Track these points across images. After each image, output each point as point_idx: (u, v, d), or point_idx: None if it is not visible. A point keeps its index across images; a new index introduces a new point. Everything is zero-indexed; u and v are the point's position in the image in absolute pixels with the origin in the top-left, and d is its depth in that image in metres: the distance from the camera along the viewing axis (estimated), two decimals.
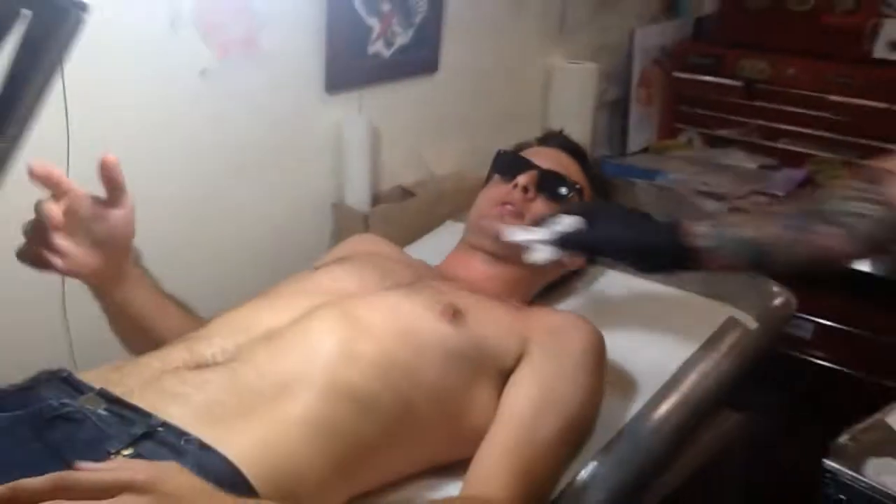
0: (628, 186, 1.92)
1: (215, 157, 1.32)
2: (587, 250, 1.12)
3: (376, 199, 1.54)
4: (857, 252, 0.94)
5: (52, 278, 0.91)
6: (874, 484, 0.98)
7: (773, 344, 1.30)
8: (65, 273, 0.87)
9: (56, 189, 0.82)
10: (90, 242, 0.87)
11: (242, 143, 1.34)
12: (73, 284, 0.94)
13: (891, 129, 1.84)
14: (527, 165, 1.22)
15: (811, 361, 1.87)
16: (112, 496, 0.59)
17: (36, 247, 0.84)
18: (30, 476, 0.59)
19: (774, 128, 2.07)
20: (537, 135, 1.37)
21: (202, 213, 1.32)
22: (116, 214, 0.88)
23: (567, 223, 1.05)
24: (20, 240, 0.85)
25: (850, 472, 0.98)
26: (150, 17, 1.18)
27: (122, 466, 0.64)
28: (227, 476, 0.73)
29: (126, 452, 0.72)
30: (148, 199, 0.96)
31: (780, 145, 2.05)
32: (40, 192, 0.82)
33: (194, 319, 1.03)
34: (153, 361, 0.87)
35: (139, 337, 0.98)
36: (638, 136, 2.14)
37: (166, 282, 1.04)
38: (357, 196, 1.50)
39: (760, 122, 2.09)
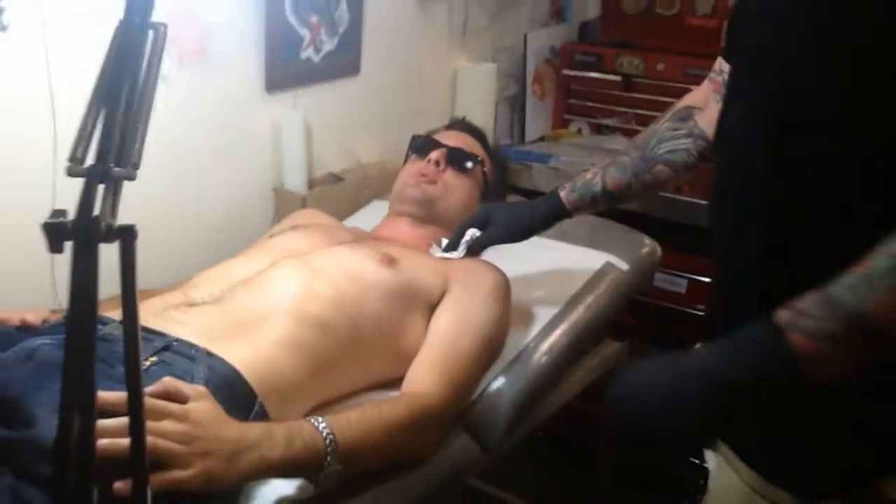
0: (527, 170, 2.20)
1: (175, 150, 1.53)
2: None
3: (311, 184, 1.78)
4: (678, 180, 1.25)
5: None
6: None
7: (643, 284, 1.60)
8: None
9: None
10: None
11: (196, 138, 1.57)
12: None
13: None
14: (437, 144, 1.50)
15: (683, 311, 2.19)
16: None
17: None
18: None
19: (649, 115, 2.36)
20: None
21: (165, 196, 1.54)
22: None
23: (471, 234, 1.34)
24: None
25: None
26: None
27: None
28: (230, 375, 0.98)
29: (153, 359, 0.96)
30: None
31: None
32: None
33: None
34: (157, 301, 1.10)
35: None
36: (534, 127, 2.43)
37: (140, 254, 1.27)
38: (295, 181, 1.74)
39: (638, 110, 2.37)
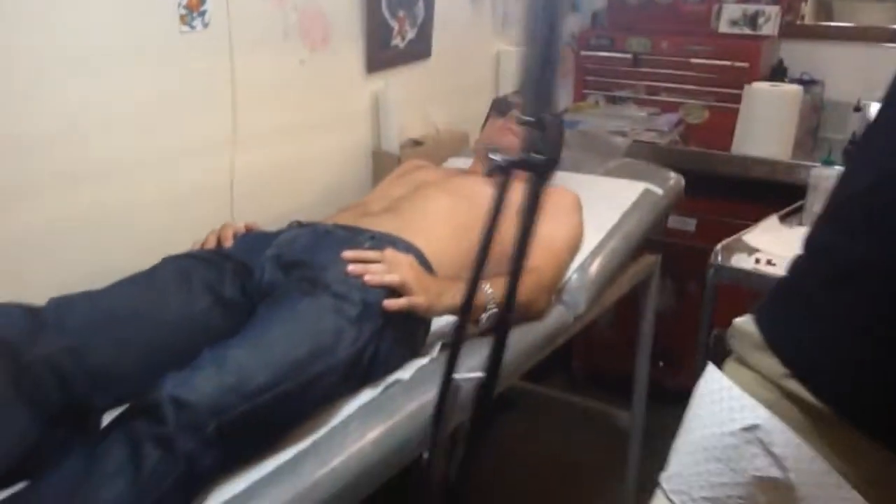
0: None
1: (303, 119, 1.97)
2: None
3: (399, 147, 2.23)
4: None
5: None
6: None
7: (672, 204, 2.06)
8: None
9: None
10: None
11: (317, 110, 2.00)
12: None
13: (733, 80, 2.64)
14: (514, 105, 1.95)
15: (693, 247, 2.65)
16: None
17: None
18: (345, 247, 1.29)
19: (655, 86, 2.79)
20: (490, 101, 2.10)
21: (293, 157, 1.97)
22: None
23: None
24: None
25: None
26: (268, 31, 1.83)
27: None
28: (417, 253, 1.42)
29: (368, 243, 1.40)
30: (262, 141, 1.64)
31: (660, 98, 2.78)
32: None
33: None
34: (346, 215, 1.55)
35: None
36: (560, 101, 2.89)
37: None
38: (389, 144, 2.19)
39: (645, 82, 2.80)
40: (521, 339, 1.51)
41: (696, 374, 2.03)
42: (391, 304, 1.23)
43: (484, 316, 1.40)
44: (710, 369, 0.96)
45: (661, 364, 2.73)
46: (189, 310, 1.25)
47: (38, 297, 1.20)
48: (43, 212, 1.43)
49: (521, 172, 1.17)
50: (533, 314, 1.54)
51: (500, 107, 1.99)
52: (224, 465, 1.02)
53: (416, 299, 1.28)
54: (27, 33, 1.37)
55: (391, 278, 1.29)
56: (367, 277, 1.25)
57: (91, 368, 1.10)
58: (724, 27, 2.77)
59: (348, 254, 1.31)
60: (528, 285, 1.50)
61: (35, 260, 1.42)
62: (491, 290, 1.39)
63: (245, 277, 1.33)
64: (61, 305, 1.15)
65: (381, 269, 1.27)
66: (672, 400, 2.42)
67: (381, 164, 2.18)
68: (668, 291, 2.81)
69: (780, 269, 1.78)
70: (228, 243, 1.44)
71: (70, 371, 1.08)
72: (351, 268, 1.28)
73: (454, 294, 1.35)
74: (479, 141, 2.00)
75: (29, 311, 1.11)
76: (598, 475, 2.55)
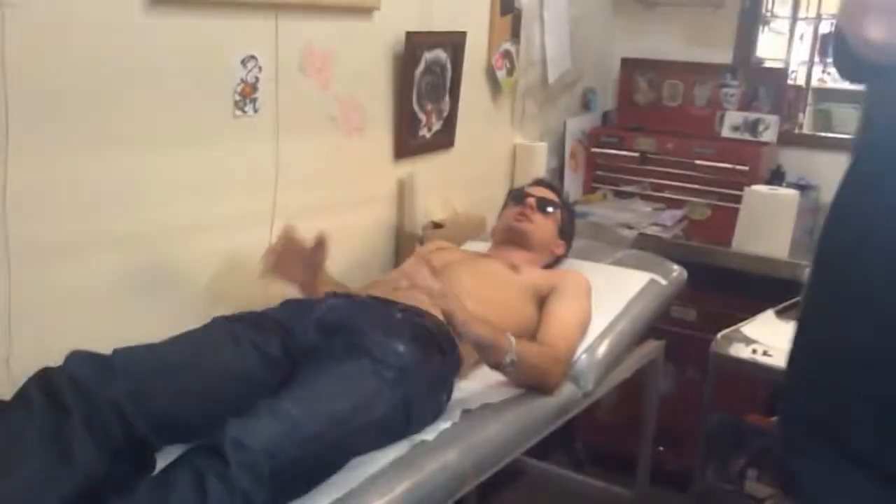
0: None
1: (337, 196, 2.13)
2: None
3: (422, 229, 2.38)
4: None
5: None
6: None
7: (674, 295, 2.19)
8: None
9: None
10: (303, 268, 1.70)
11: (347, 190, 2.16)
12: None
13: (734, 181, 2.80)
14: (528, 195, 2.11)
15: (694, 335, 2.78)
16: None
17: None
18: (380, 316, 1.42)
19: (660, 183, 2.95)
20: (506, 190, 2.28)
21: (325, 231, 2.12)
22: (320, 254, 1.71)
23: None
24: None
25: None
26: (311, 118, 2.00)
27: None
28: (443, 325, 1.55)
29: (399, 315, 1.53)
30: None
31: (665, 195, 2.94)
32: None
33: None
34: (378, 288, 1.69)
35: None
36: (570, 192, 3.05)
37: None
38: (413, 225, 2.34)
39: (651, 180, 2.97)
40: (535, 410, 1.63)
41: (698, 456, 2.13)
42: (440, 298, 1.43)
43: (506, 359, 1.52)
44: None
45: (660, 448, 2.83)
46: (237, 364, 1.37)
47: (101, 347, 1.32)
48: (108, 268, 1.58)
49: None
50: (547, 385, 1.66)
51: (515, 196, 2.15)
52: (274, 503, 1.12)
53: (459, 314, 1.44)
54: (106, 110, 1.53)
55: (440, 288, 1.46)
56: (421, 283, 1.41)
57: (150, 412, 1.22)
58: (726, 132, 2.97)
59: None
60: (544, 356, 1.62)
61: (99, 312, 1.56)
62: (515, 341, 1.52)
63: (286, 339, 1.46)
64: (126, 355, 1.27)
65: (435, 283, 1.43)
66: (671, 482, 2.52)
67: (404, 242, 2.33)
68: (670, 377, 2.92)
69: (776, 360, 1.90)
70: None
71: (132, 414, 1.20)
72: (406, 283, 1.46)
73: (487, 329, 1.50)
74: (496, 226, 2.16)
75: (99, 359, 1.24)
76: None
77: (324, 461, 1.21)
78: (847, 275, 0.99)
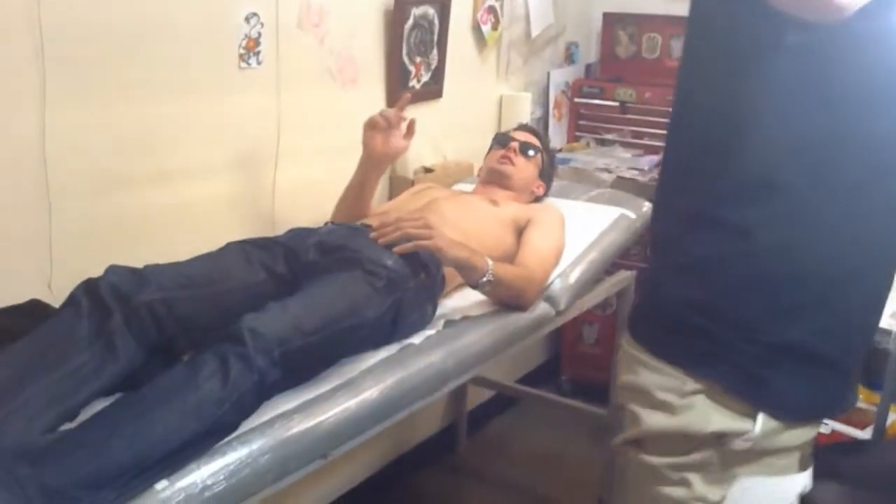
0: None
1: (337, 144, 2.32)
2: None
3: (413, 173, 2.58)
4: None
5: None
6: None
7: (643, 229, 2.40)
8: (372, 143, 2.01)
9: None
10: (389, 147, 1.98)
11: (344, 138, 2.35)
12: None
13: None
14: (512, 139, 2.31)
15: None
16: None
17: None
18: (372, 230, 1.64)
19: (639, 131, 3.16)
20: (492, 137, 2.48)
21: (324, 173, 2.32)
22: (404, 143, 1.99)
23: None
24: None
25: None
26: (309, 70, 2.20)
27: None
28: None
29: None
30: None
31: (643, 141, 3.14)
32: None
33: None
34: (371, 218, 1.90)
35: (354, 205, 2.07)
36: (555, 140, 3.25)
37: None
38: (405, 169, 2.54)
39: (631, 128, 3.18)
40: (512, 323, 1.85)
41: None
42: (415, 238, 1.65)
43: (483, 280, 1.73)
44: None
45: None
46: (249, 280, 1.60)
47: (134, 262, 1.55)
48: (134, 203, 1.81)
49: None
50: (522, 303, 1.88)
51: (500, 140, 2.35)
52: (284, 383, 1.35)
53: (437, 241, 1.66)
54: (129, 63, 1.74)
55: (419, 223, 1.68)
56: (389, 236, 1.62)
57: (178, 316, 1.44)
58: None
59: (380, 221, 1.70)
60: (519, 276, 1.84)
61: (127, 242, 1.79)
62: (492, 263, 1.73)
63: (292, 258, 1.68)
64: (156, 269, 1.49)
65: (408, 222, 1.65)
66: None
67: (397, 185, 2.53)
68: None
69: None
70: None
71: (163, 315, 1.42)
72: (378, 233, 1.67)
73: (465, 251, 1.71)
74: (482, 167, 2.36)
75: (133, 270, 1.46)
76: (577, 463, 2.89)
77: (324, 351, 1.44)
78: None
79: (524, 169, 2.29)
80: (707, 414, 1.14)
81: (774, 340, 1.11)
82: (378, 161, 2.05)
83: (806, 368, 1.13)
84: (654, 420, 1.18)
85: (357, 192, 2.06)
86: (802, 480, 1.22)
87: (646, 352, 1.19)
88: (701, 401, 1.14)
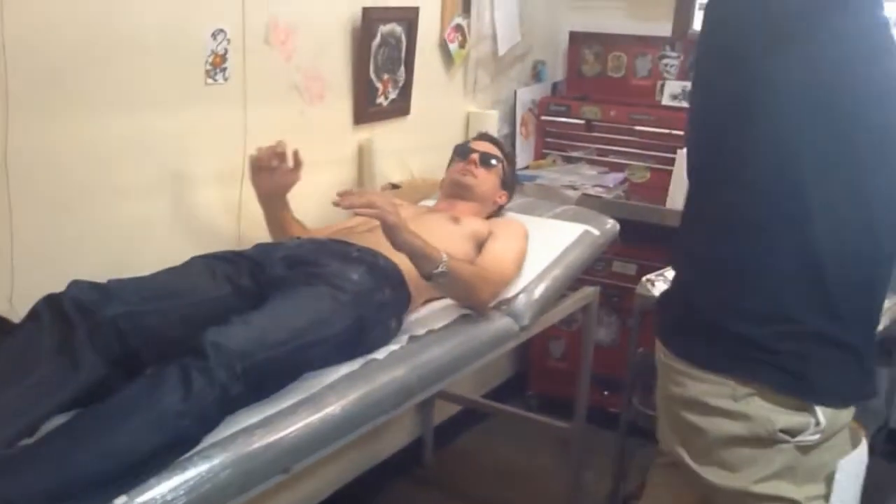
0: (519, 185, 3.04)
1: (306, 165, 2.34)
2: None
3: (380, 189, 2.60)
4: None
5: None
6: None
7: (606, 245, 2.44)
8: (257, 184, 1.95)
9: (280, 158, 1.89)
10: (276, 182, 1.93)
11: (312, 152, 2.37)
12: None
13: (671, 145, 3.04)
14: (472, 150, 2.33)
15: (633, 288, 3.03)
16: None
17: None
18: (338, 254, 1.65)
19: (604, 149, 3.20)
20: None
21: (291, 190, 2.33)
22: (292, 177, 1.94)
23: None
24: None
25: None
26: (276, 86, 2.21)
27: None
28: (392, 265, 1.78)
29: (356, 254, 1.76)
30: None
31: (608, 159, 3.18)
32: None
33: (306, 231, 2.08)
34: (337, 233, 1.91)
35: (279, 232, 2.04)
36: (522, 158, 3.28)
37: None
38: (372, 186, 2.56)
39: (597, 145, 3.21)
40: (474, 338, 1.87)
41: (625, 387, 2.38)
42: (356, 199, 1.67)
43: (436, 271, 1.74)
44: None
45: (605, 393, 3.10)
46: (213, 293, 1.60)
47: (96, 278, 1.55)
48: (96, 218, 1.80)
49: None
50: (476, 301, 1.90)
51: (461, 151, 2.37)
52: (247, 397, 1.35)
53: (390, 216, 1.67)
54: (94, 78, 1.74)
55: (381, 198, 1.70)
56: (352, 199, 1.63)
57: (142, 330, 1.44)
58: (666, 100, 3.21)
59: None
60: (474, 274, 1.87)
61: (89, 256, 1.78)
62: (447, 257, 1.75)
63: (258, 272, 1.68)
64: (119, 284, 1.50)
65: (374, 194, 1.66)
66: (614, 421, 2.79)
67: None
68: (613, 328, 3.19)
69: None
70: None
71: (127, 330, 1.42)
72: (339, 193, 1.68)
73: (419, 240, 1.72)
74: (444, 179, 2.38)
75: (97, 285, 1.46)
76: (544, 477, 2.91)
77: (288, 365, 1.44)
78: None
79: (486, 180, 2.31)
80: (766, 413, 1.22)
81: (811, 332, 1.20)
82: (269, 198, 2.02)
83: (839, 356, 1.23)
84: (717, 426, 1.25)
85: (275, 224, 2.05)
86: (863, 451, 1.32)
87: (687, 363, 1.26)
88: (756, 403, 1.22)
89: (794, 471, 1.24)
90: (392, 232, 1.69)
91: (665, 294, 1.42)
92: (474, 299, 1.89)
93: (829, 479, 1.25)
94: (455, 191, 2.30)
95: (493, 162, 2.33)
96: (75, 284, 1.44)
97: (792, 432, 1.22)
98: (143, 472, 1.20)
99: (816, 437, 1.22)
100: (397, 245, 1.71)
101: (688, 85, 3.18)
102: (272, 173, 1.94)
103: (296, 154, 1.94)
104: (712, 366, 1.24)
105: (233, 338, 1.34)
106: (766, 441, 1.23)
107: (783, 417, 1.22)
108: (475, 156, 2.32)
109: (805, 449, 1.23)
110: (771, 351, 1.21)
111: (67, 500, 1.12)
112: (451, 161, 2.41)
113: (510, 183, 2.42)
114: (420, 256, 1.73)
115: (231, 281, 1.64)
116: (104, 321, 1.39)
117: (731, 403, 1.23)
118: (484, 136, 2.48)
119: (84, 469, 1.15)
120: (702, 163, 1.29)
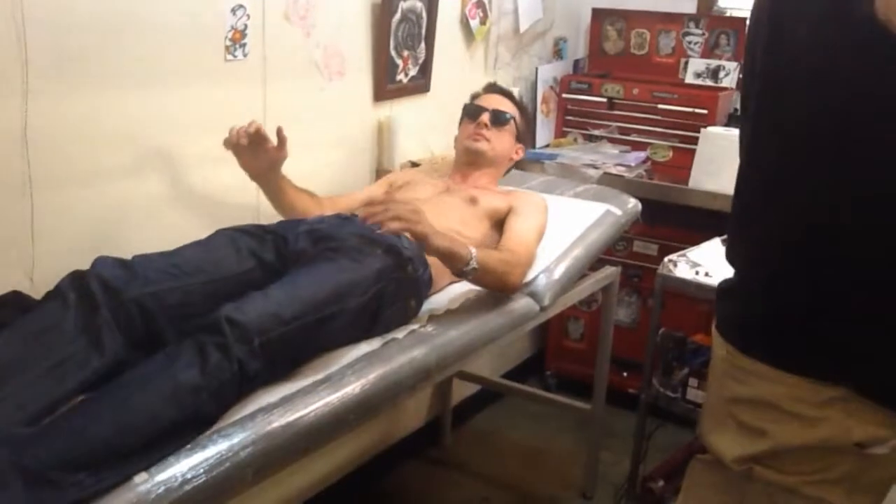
0: (540, 164, 3.02)
1: (322, 137, 2.33)
2: None
3: (399, 167, 2.58)
4: None
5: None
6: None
7: (628, 224, 2.41)
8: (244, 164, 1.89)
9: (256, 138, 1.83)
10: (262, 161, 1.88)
11: (331, 129, 2.36)
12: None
13: (694, 124, 2.99)
14: (482, 110, 2.28)
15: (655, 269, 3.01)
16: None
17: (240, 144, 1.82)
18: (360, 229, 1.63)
19: (626, 127, 3.15)
20: None
21: (309, 167, 2.32)
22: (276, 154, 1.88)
23: None
24: None
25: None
26: (295, 62, 2.19)
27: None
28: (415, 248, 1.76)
29: (378, 230, 1.74)
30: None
31: (630, 138, 3.14)
32: None
33: (315, 199, 2.07)
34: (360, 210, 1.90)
35: (286, 208, 2.01)
36: (542, 136, 3.25)
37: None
38: (391, 164, 2.54)
39: (618, 124, 3.17)
40: (494, 318, 1.85)
41: (645, 368, 2.37)
42: (404, 221, 1.62)
43: (467, 268, 1.73)
44: None
45: (624, 374, 3.08)
46: (238, 268, 1.60)
47: (118, 254, 1.54)
48: (117, 194, 1.80)
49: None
50: (507, 287, 1.89)
51: (470, 112, 2.31)
52: (265, 375, 1.35)
53: (424, 228, 1.65)
54: (114, 54, 1.73)
55: (406, 209, 1.65)
56: (378, 216, 1.60)
57: (166, 307, 1.44)
58: (689, 78, 3.17)
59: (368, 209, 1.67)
60: (503, 261, 1.85)
61: (110, 231, 1.79)
62: (475, 251, 1.73)
63: (281, 246, 1.68)
64: (144, 260, 1.50)
65: (398, 206, 1.64)
66: (634, 402, 2.78)
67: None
68: (634, 308, 3.16)
69: (715, 280, 2.11)
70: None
71: (152, 310, 1.42)
72: (367, 211, 1.64)
73: (447, 241, 1.71)
74: (456, 139, 2.34)
75: (122, 262, 1.46)
76: (561, 458, 2.91)
77: (305, 340, 1.43)
78: None
79: (499, 141, 2.24)
80: (846, 423, 1.11)
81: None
82: (258, 176, 1.93)
83: None
84: (787, 433, 1.14)
85: (276, 198, 2.00)
86: None
87: (762, 363, 1.15)
88: (838, 410, 1.11)
89: (854, 480, 1.15)
90: (424, 242, 1.68)
91: (729, 284, 1.27)
92: (506, 286, 1.88)
93: (881, 494, 1.17)
94: (468, 158, 2.25)
95: (506, 117, 2.27)
96: (101, 261, 1.44)
97: (865, 444, 1.13)
98: (160, 446, 1.20)
99: (885, 451, 1.13)
100: (430, 252, 1.72)
101: (711, 63, 3.14)
102: (255, 153, 1.85)
103: (279, 131, 1.86)
104: (796, 367, 1.13)
105: (249, 313, 1.33)
106: (834, 451, 1.14)
107: (863, 429, 1.12)
108: (485, 116, 2.24)
109: (872, 459, 1.14)
110: (866, 356, 1.10)
111: (84, 469, 1.12)
112: (462, 120, 2.34)
113: (526, 133, 2.36)
114: (451, 257, 1.73)
115: (255, 255, 1.64)
116: (128, 301, 1.39)
117: (811, 409, 1.13)
118: (492, 88, 2.38)
119: (100, 440, 1.15)
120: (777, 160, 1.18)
